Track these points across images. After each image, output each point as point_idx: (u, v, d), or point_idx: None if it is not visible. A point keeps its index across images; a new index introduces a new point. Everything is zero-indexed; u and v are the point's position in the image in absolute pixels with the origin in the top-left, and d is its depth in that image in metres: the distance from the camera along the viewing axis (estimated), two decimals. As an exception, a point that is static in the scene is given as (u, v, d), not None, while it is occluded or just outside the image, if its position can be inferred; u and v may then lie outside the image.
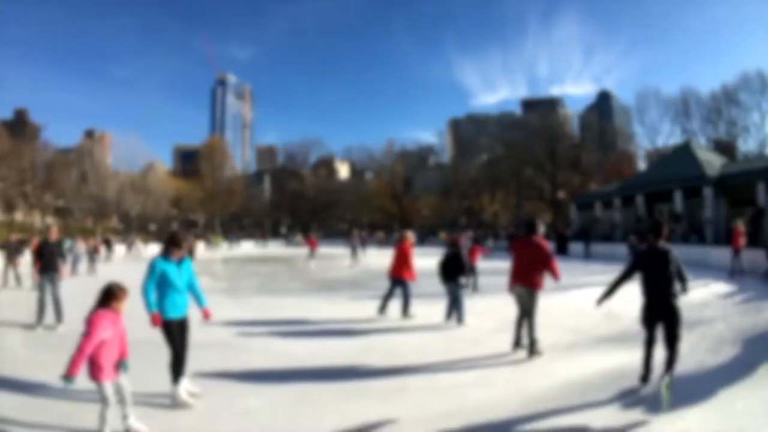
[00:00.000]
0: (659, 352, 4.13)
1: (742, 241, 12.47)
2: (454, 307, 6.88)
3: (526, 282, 5.10)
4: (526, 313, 5.16)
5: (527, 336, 5.14)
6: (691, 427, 3.26)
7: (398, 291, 7.48)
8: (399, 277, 7.41)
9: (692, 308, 4.61)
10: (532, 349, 5.08)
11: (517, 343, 5.31)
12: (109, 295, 3.19)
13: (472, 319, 7.14)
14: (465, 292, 6.98)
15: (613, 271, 5.24)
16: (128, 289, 3.35)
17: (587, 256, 21.95)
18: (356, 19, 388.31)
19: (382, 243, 37.31)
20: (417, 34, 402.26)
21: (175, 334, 3.84)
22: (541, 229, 5.33)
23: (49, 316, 6.74)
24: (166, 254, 3.92)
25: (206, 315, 4.14)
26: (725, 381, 4.13)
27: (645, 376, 4.15)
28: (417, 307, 7.54)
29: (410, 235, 7.78)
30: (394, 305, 7.55)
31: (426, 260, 11.94)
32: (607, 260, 18.80)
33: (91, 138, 65.18)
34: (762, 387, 4.04)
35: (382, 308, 7.53)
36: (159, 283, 3.81)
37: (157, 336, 4.01)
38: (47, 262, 6.85)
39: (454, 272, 6.81)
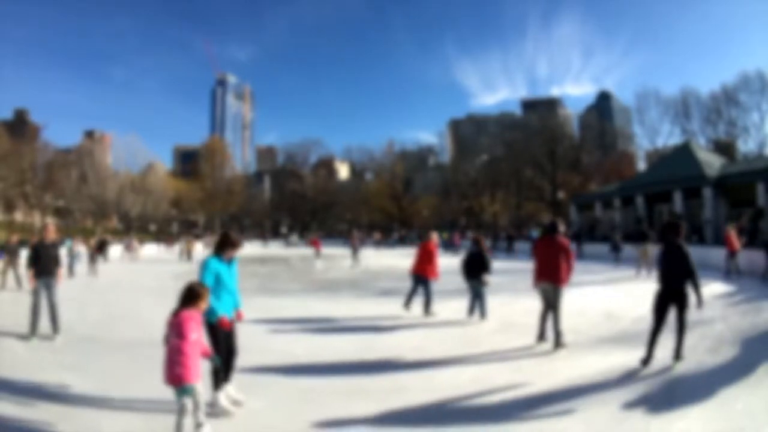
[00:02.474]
0: (661, 352, 4.16)
1: (737, 243, 12.51)
2: (477, 303, 7.16)
3: (551, 278, 5.41)
4: (551, 308, 5.46)
5: (552, 329, 5.41)
6: (691, 427, 3.26)
7: (420, 289, 7.66)
8: (422, 275, 7.60)
9: (692, 308, 4.63)
10: (558, 342, 5.37)
11: (541, 337, 5.61)
12: (195, 295, 3.09)
13: (471, 321, 7.18)
14: (487, 289, 7.23)
15: (608, 271, 5.28)
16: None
17: (579, 256, 21.98)
18: (356, 19, 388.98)
19: (379, 243, 37.35)
20: (417, 34, 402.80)
21: (221, 337, 3.68)
22: (562, 228, 5.67)
23: (45, 325, 6.10)
24: (219, 254, 3.82)
25: (239, 316, 4.00)
26: (725, 381, 4.13)
27: (646, 359, 4.62)
28: (432, 303, 7.72)
29: (435, 236, 8.05)
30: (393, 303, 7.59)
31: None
32: (603, 260, 18.81)
33: (91, 138, 65.11)
34: (761, 387, 4.04)
35: (407, 304, 7.70)
36: (213, 284, 3.69)
37: (150, 336, 3.99)
38: (43, 265, 6.22)
39: (478, 270, 7.08)
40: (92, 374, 4.57)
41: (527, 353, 5.29)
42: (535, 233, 24.45)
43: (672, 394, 3.90)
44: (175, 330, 2.94)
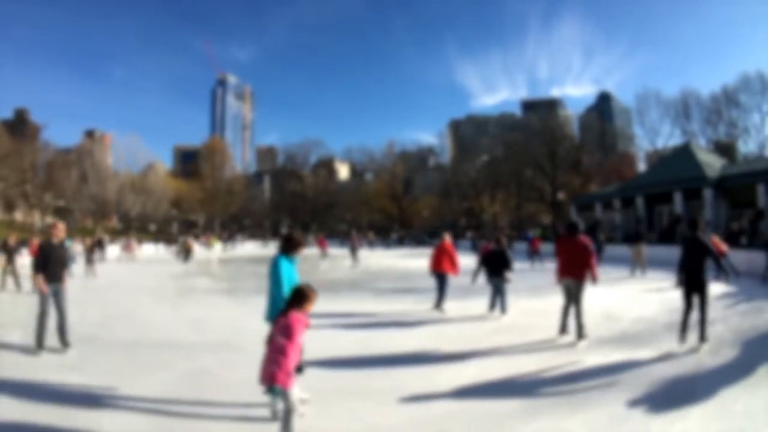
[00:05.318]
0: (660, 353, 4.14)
1: (723, 247, 12.58)
2: (498, 299, 7.54)
3: (573, 274, 5.79)
4: (574, 302, 5.81)
5: (575, 322, 5.75)
6: (690, 428, 3.27)
7: (438, 285, 8.01)
8: (441, 271, 8.00)
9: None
10: (581, 333, 5.70)
11: (563, 330, 5.97)
12: (304, 297, 3.12)
13: (471, 321, 7.19)
14: (508, 286, 7.56)
15: (603, 272, 5.28)
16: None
17: None
18: (356, 20, 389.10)
19: (372, 244, 37.44)
20: (417, 35, 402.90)
21: None
22: (581, 227, 5.96)
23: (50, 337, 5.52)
24: (287, 253, 3.89)
25: None
26: (725, 382, 4.13)
27: (682, 336, 5.36)
28: (432, 302, 8.11)
29: (448, 236, 8.47)
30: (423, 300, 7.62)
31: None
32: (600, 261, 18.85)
33: (91, 138, 64.98)
34: (761, 388, 4.04)
35: (439, 303, 8.07)
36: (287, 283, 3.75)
37: (150, 336, 4.00)
38: (52, 268, 5.53)
39: (500, 268, 7.45)
40: (92, 374, 4.57)
41: (527, 354, 5.29)
42: (532, 234, 24.41)
43: (672, 394, 3.89)
44: (284, 330, 2.94)
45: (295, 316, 3.00)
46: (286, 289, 3.67)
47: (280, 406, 3.47)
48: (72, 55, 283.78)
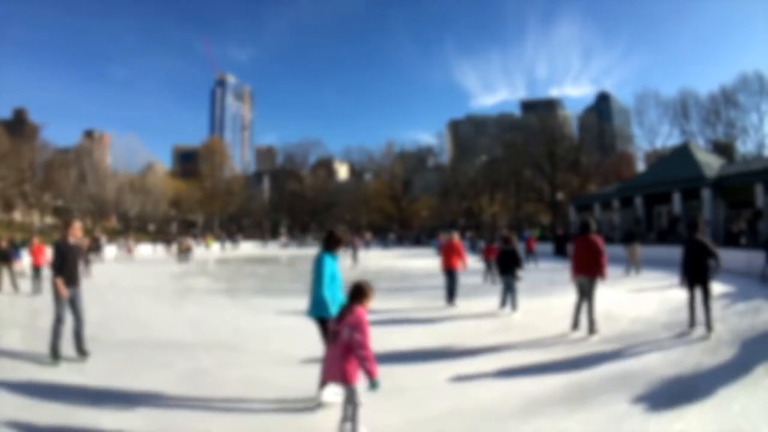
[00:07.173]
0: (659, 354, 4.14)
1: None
2: (509, 296, 7.81)
3: (586, 272, 6.05)
4: (587, 298, 6.06)
5: (586, 318, 6.01)
6: (688, 428, 3.27)
7: (449, 282, 8.44)
8: (453, 268, 8.42)
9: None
10: (592, 329, 5.97)
11: (575, 326, 6.16)
12: (363, 294, 3.22)
13: (471, 320, 7.20)
14: (518, 284, 7.83)
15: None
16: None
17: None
18: (356, 20, 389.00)
19: (369, 244, 37.49)
20: (417, 35, 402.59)
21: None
22: (594, 226, 6.28)
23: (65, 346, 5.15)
24: (330, 250, 3.96)
25: None
26: (723, 382, 4.14)
27: (691, 323, 6.00)
28: (431, 301, 8.40)
29: (456, 235, 9.00)
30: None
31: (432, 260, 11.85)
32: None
33: (90, 138, 64.78)
34: (760, 388, 4.05)
35: (452, 299, 8.45)
36: (330, 279, 3.82)
37: (149, 336, 4.00)
38: (69, 271, 5.15)
39: (511, 266, 7.75)
40: (91, 374, 4.58)
41: (526, 353, 5.29)
42: (528, 233, 24.43)
43: (670, 394, 3.90)
44: (357, 326, 3.02)
45: (360, 310, 3.13)
46: (326, 286, 3.76)
47: (327, 397, 3.63)
48: (71, 55, 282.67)
